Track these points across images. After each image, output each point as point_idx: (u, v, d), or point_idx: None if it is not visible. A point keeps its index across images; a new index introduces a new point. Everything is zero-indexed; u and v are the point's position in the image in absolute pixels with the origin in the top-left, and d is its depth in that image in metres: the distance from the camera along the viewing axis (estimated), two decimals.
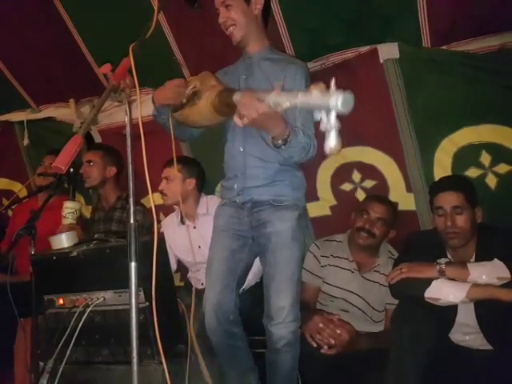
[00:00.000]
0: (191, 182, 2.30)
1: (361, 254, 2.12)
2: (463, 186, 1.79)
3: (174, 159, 1.81)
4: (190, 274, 2.40)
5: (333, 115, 1.21)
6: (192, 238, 2.18)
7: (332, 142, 1.23)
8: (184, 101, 1.65)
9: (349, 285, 2.08)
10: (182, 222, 2.34)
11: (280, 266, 1.69)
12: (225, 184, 1.86)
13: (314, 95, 1.23)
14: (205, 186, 2.40)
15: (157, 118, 1.76)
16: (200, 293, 1.95)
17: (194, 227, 2.30)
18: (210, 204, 2.27)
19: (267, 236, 1.71)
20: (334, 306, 2.09)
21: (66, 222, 2.19)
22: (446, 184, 1.81)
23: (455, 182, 1.85)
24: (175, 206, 2.38)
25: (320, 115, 1.26)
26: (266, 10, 1.76)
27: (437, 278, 1.63)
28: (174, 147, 1.68)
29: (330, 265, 2.14)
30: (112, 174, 2.52)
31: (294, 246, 1.71)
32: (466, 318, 1.71)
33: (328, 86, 1.25)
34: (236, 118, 1.42)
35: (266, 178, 1.72)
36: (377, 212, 2.07)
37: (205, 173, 2.39)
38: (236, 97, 1.47)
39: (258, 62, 1.75)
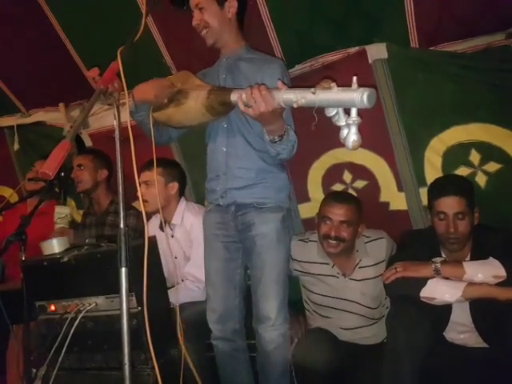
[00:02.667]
0: (174, 186, 2.19)
1: (338, 258, 1.97)
2: (465, 190, 1.74)
3: (155, 161, 1.63)
4: None
5: (354, 111, 1.24)
6: (169, 247, 2.13)
7: (355, 136, 1.27)
8: (165, 101, 1.60)
9: (338, 292, 1.97)
10: (161, 228, 2.21)
11: (266, 269, 1.70)
12: (207, 185, 1.85)
13: (336, 92, 1.24)
14: (185, 190, 2.30)
15: (134, 115, 1.70)
16: None
17: (172, 236, 2.20)
18: (185, 215, 2.16)
19: (252, 239, 1.72)
20: (331, 323, 1.98)
21: (57, 226, 2.18)
22: (450, 188, 1.73)
23: (458, 185, 1.77)
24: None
25: (334, 111, 1.28)
26: (241, 11, 1.76)
27: (432, 277, 1.63)
28: (154, 148, 1.57)
29: (309, 273, 2.01)
30: (103, 176, 2.50)
31: (280, 247, 1.73)
32: (461, 316, 1.72)
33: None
34: (240, 105, 1.41)
35: (249, 180, 1.72)
36: (338, 215, 1.88)
37: (186, 176, 2.32)
38: (234, 96, 1.47)
39: (235, 62, 1.76)
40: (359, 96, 1.19)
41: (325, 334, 1.97)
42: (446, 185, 1.80)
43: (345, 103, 1.25)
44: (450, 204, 1.70)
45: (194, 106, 1.56)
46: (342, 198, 1.98)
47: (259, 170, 1.73)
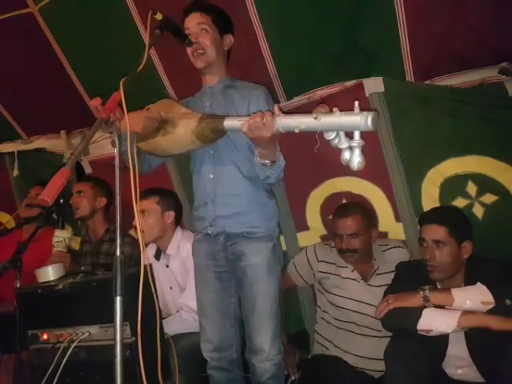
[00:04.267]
0: (170, 215, 2.17)
1: (357, 264, 2.05)
2: (448, 219, 1.76)
3: (137, 191, 1.37)
4: None
5: (357, 134, 1.26)
6: (164, 277, 2.13)
7: (359, 157, 1.29)
8: (150, 130, 1.57)
9: (359, 295, 2.03)
10: (157, 258, 2.22)
11: (258, 301, 1.68)
12: (195, 213, 1.83)
13: (338, 116, 1.25)
14: (180, 219, 2.30)
15: (115, 145, 1.68)
16: None
17: (167, 266, 2.18)
18: (181, 244, 2.14)
19: (243, 269, 1.70)
20: (350, 328, 2.03)
21: (55, 250, 2.17)
22: (431, 216, 1.81)
23: (441, 214, 1.83)
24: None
25: (333, 134, 1.30)
26: (231, 49, 1.81)
27: (423, 306, 1.62)
28: (137, 179, 1.35)
29: (333, 274, 2.08)
30: (102, 204, 2.50)
31: (271, 278, 1.70)
32: (458, 350, 1.69)
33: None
34: (245, 129, 1.41)
35: (238, 207, 1.70)
36: (345, 229, 1.99)
37: (181, 205, 2.33)
38: (227, 122, 1.48)
39: (220, 90, 1.78)
40: (364, 119, 1.21)
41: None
42: (429, 213, 1.89)
43: (349, 127, 1.26)
44: (428, 231, 1.74)
45: (182, 134, 1.55)
46: (345, 211, 2.06)
47: (248, 198, 1.71)
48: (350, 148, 1.30)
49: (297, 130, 1.33)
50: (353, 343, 2.02)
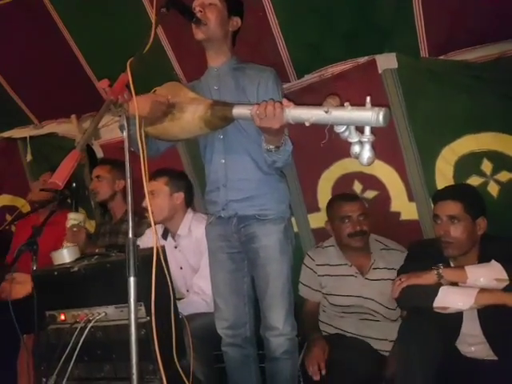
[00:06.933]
0: (179, 197, 2.17)
1: (356, 256, 2.09)
2: (463, 195, 1.75)
3: (146, 173, 1.34)
4: None
5: (367, 129, 1.26)
6: (172, 258, 2.12)
7: (369, 153, 1.30)
8: (158, 114, 1.55)
9: (358, 290, 2.04)
10: (164, 237, 2.22)
11: (271, 281, 1.72)
12: (207, 197, 1.85)
13: (350, 111, 1.25)
14: (192, 201, 2.29)
15: (123, 129, 1.68)
16: None
17: (176, 247, 2.18)
18: (192, 224, 2.14)
19: (255, 251, 1.73)
20: (351, 317, 2.05)
21: (69, 231, 2.19)
22: (446, 193, 1.80)
23: (455, 191, 1.82)
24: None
25: (343, 127, 1.30)
26: (237, 32, 1.79)
27: (436, 283, 1.62)
28: (143, 160, 1.32)
29: (330, 275, 2.10)
30: (121, 186, 2.53)
31: (283, 259, 1.74)
32: (471, 328, 1.69)
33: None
34: (256, 118, 1.41)
35: (249, 191, 1.72)
36: (355, 211, 2.05)
37: (193, 187, 2.32)
38: (236, 110, 1.48)
39: (227, 72, 1.76)
40: (375, 115, 1.21)
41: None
42: (443, 190, 1.87)
43: (360, 122, 1.26)
44: (443, 207, 1.73)
45: (190, 121, 1.55)
46: (349, 196, 2.14)
47: (259, 181, 1.73)
48: (360, 142, 1.30)
49: (307, 124, 1.33)
50: (354, 326, 2.04)
